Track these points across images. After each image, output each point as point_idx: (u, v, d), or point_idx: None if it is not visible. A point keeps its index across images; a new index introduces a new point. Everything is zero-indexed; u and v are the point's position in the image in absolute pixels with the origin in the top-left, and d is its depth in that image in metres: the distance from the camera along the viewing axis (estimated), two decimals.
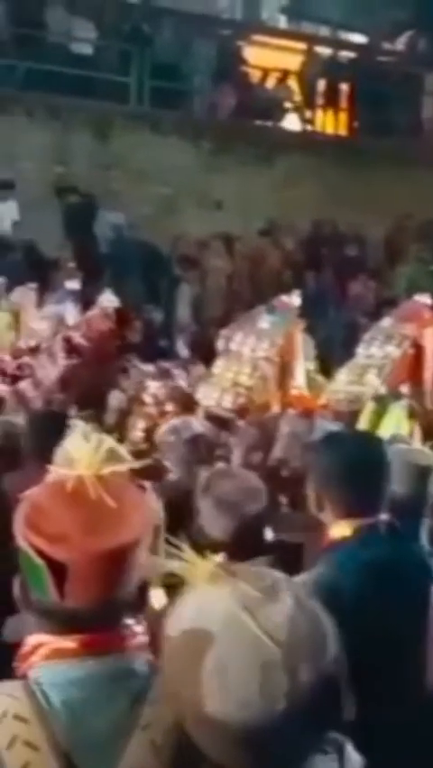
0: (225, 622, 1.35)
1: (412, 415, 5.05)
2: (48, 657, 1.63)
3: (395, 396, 5.24)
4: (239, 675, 1.30)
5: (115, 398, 6.40)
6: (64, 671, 1.62)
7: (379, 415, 5.09)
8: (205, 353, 7.83)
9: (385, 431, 4.89)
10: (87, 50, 13.90)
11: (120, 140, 13.36)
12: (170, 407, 5.81)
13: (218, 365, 6.32)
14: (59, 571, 1.59)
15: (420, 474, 3.05)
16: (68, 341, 7.30)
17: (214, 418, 5.49)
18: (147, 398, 5.96)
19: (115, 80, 13.62)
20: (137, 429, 5.60)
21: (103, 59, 13.86)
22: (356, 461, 2.45)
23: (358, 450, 2.53)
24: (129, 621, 1.68)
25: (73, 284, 8.94)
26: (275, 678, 1.29)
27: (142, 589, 1.70)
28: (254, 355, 6.07)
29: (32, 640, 1.67)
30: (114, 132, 13.39)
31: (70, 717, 1.58)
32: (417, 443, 4.48)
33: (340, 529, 2.36)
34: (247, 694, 1.29)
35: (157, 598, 2.50)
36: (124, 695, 1.61)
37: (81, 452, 1.69)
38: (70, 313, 8.15)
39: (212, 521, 2.61)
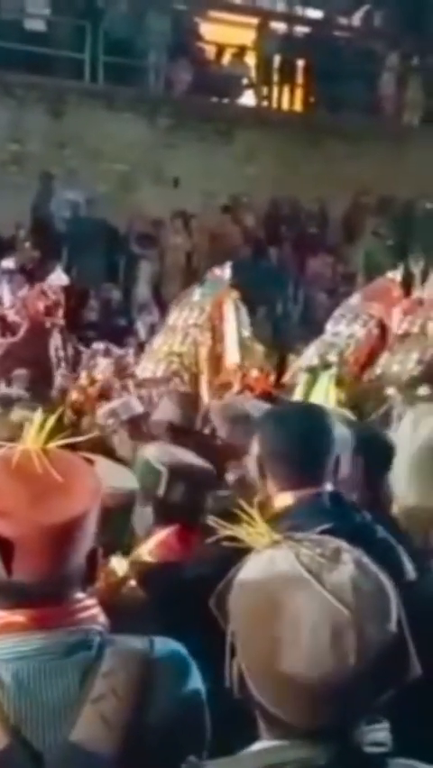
0: (293, 585, 1.40)
1: (340, 383, 5.14)
2: None
3: (325, 365, 5.30)
4: (310, 634, 1.36)
5: (62, 377, 6.43)
6: (13, 645, 1.61)
7: (311, 385, 5.16)
8: None
9: (314, 400, 4.97)
10: (40, 26, 13.75)
11: (75, 117, 13.24)
12: (99, 375, 5.83)
13: (156, 341, 6.45)
14: (5, 546, 1.58)
15: None
16: (2, 319, 7.31)
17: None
18: (83, 373, 6.01)
19: (69, 57, 13.50)
20: (69, 403, 5.62)
21: (56, 35, 13.71)
22: (291, 434, 2.44)
23: (294, 422, 2.51)
24: (79, 594, 1.67)
25: (8, 263, 8.89)
26: (345, 636, 1.36)
27: (92, 562, 1.68)
28: (186, 324, 6.19)
29: None
30: (68, 109, 13.27)
31: (20, 690, 1.58)
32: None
33: (282, 500, 2.37)
34: (319, 652, 1.36)
35: (120, 565, 2.52)
36: (74, 668, 1.61)
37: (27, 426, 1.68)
38: (5, 292, 8.10)
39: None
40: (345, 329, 5.72)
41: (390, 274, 6.14)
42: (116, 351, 6.97)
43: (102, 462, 2.81)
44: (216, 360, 6.09)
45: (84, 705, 1.58)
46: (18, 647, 1.61)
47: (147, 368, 6.15)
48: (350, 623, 1.37)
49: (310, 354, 5.83)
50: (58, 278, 7.81)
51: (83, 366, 6.56)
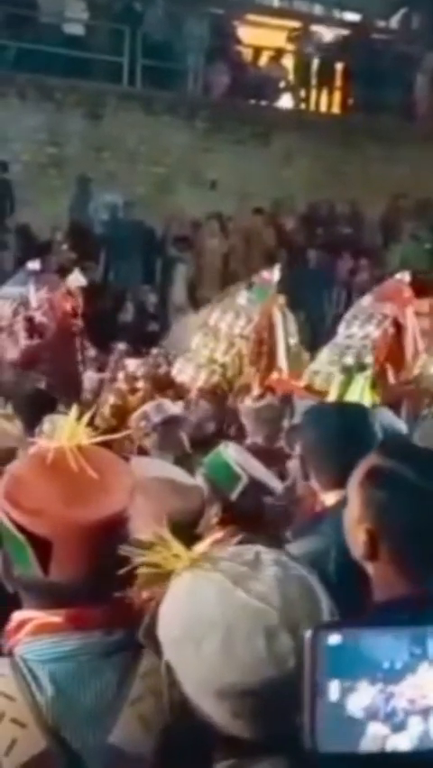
0: (219, 601, 1.39)
1: (375, 385, 5.09)
2: (34, 633, 1.60)
3: (360, 367, 5.25)
4: (246, 645, 1.36)
5: (89, 379, 6.42)
6: (50, 646, 1.59)
7: (346, 386, 5.12)
8: None
9: (349, 400, 4.92)
10: (78, 30, 13.80)
11: (113, 120, 13.29)
12: (141, 384, 5.79)
13: (196, 341, 6.35)
14: (41, 545, 1.56)
15: None
16: (29, 320, 7.27)
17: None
18: (120, 375, 5.97)
19: (107, 60, 13.54)
20: (107, 405, 5.58)
21: (95, 39, 13.76)
22: (334, 433, 2.43)
23: (336, 422, 2.51)
24: (117, 594, 1.65)
25: (34, 265, 8.84)
26: (280, 639, 1.36)
27: (130, 561, 1.65)
28: (231, 332, 6.10)
29: (17, 616, 1.64)
30: (107, 112, 13.31)
31: (57, 692, 1.56)
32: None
33: (326, 499, 2.36)
34: (257, 660, 1.36)
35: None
36: (112, 669, 1.59)
37: (63, 423, 1.66)
38: (32, 294, 8.03)
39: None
40: (358, 331, 5.66)
41: (398, 275, 6.09)
42: (141, 350, 6.95)
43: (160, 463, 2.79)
44: (265, 373, 5.97)
45: (123, 706, 1.57)
46: (55, 648, 1.59)
47: (186, 371, 6.06)
48: (281, 624, 1.36)
49: (324, 358, 5.75)
50: (75, 279, 7.70)
51: (110, 368, 6.53)
